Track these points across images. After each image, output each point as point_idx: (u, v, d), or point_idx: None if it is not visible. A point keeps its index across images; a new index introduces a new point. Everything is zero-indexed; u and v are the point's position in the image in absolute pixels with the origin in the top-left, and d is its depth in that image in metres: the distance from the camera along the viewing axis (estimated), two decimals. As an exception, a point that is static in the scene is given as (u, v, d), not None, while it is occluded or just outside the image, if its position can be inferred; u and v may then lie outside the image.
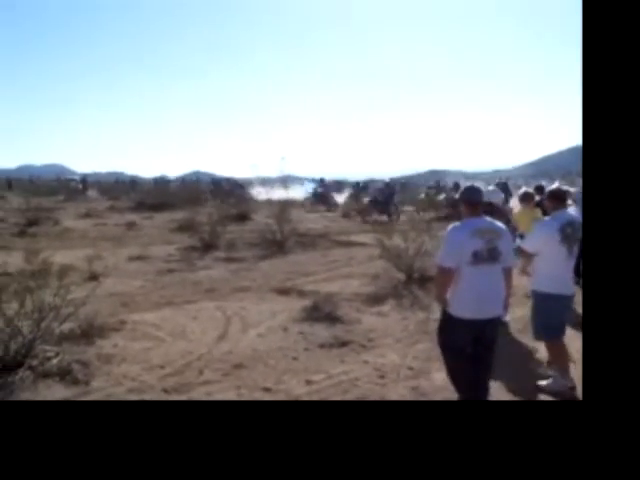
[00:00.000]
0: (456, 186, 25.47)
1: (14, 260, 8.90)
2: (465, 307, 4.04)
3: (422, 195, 28.84)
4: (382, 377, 5.27)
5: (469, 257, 3.95)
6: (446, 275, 4.06)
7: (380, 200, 22.74)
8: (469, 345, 4.12)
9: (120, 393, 4.83)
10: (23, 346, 5.18)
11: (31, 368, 5.11)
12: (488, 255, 3.98)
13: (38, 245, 10.99)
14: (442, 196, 25.47)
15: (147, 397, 4.74)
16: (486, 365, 4.25)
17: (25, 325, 5.28)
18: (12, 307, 5.27)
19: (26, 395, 4.72)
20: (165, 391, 4.90)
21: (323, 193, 29.96)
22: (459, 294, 4.05)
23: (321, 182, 31.71)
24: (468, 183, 4.58)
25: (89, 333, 6.14)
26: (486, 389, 4.26)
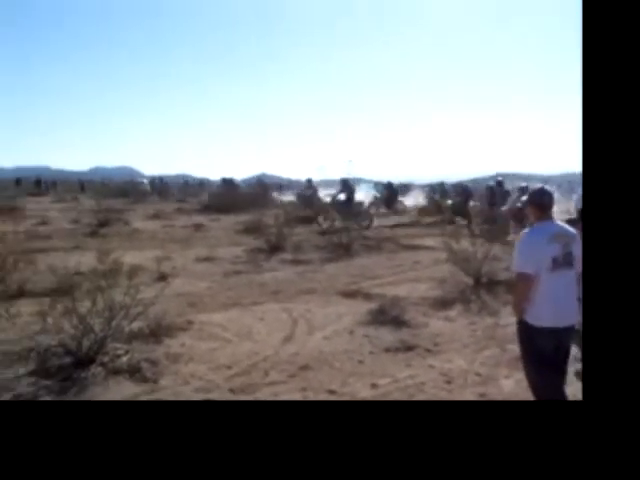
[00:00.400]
0: (465, 190, 24.05)
1: (86, 260, 9.18)
2: (545, 315, 3.94)
3: (420, 199, 27.72)
4: (449, 382, 5.23)
5: (549, 263, 3.86)
6: (526, 282, 3.96)
7: (342, 202, 20.00)
8: (551, 353, 4.03)
9: (187, 392, 4.95)
10: (95, 343, 5.40)
11: (102, 364, 5.32)
12: (564, 260, 3.90)
13: (109, 245, 11.33)
14: (449, 201, 23.98)
15: (214, 396, 4.85)
16: (563, 373, 4.17)
17: (97, 323, 5.49)
18: (85, 305, 5.49)
19: (97, 390, 4.91)
20: (231, 391, 4.99)
21: (308, 196, 28.32)
22: (538, 302, 3.96)
23: (308, 183, 30.19)
24: (538, 186, 4.47)
25: (157, 332, 6.32)
26: (564, 398, 4.17)
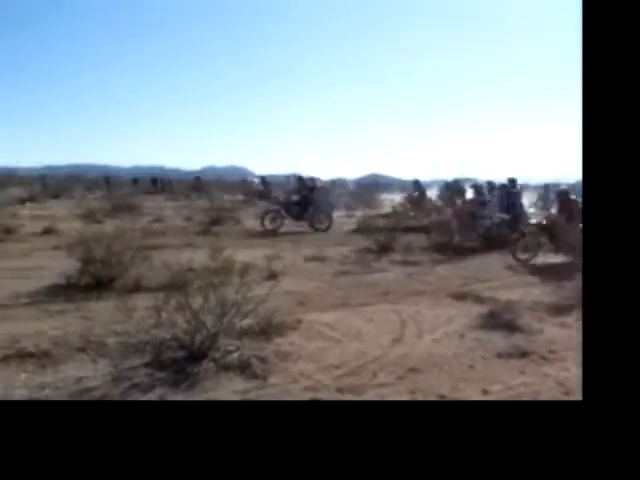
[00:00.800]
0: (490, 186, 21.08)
1: (199, 257, 9.53)
2: None
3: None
4: (566, 393, 5.07)
5: None
6: None
7: (296, 202, 18.93)
8: None
9: (296, 390, 5.05)
10: (207, 338, 5.59)
11: (214, 360, 5.51)
12: None
13: (221, 243, 11.68)
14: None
15: (321, 396, 4.92)
16: None
17: (209, 319, 5.67)
18: (197, 301, 5.69)
19: (208, 384, 5.09)
20: (339, 391, 5.05)
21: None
22: None
23: (262, 180, 28.49)
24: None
25: (267, 330, 6.46)
26: None
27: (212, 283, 5.85)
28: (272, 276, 9.64)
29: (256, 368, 5.45)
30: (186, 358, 5.53)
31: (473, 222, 15.45)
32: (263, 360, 5.64)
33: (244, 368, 5.42)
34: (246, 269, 6.34)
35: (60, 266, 9.42)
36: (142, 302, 6.33)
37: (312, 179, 20.75)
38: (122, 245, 9.28)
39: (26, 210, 22.71)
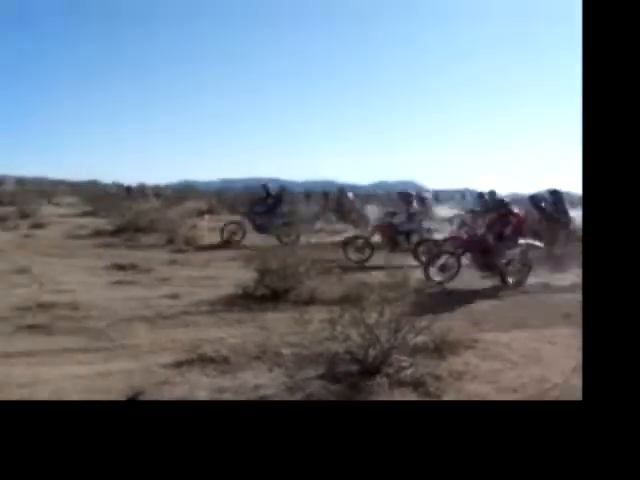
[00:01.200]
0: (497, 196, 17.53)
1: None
2: None
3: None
4: None
5: None
6: None
7: (261, 211, 18.13)
8: None
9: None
10: (381, 353, 5.69)
11: (387, 375, 5.58)
12: None
13: (396, 261, 11.76)
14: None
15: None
16: None
17: (382, 334, 5.76)
18: (371, 316, 5.80)
19: (382, 400, 5.17)
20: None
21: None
22: None
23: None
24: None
25: (441, 348, 6.45)
26: None
27: (387, 298, 5.93)
28: (447, 293, 9.59)
29: (430, 386, 5.46)
30: (359, 372, 5.66)
31: (395, 237, 14.54)
32: (437, 378, 5.65)
33: (417, 385, 5.46)
34: (422, 286, 6.38)
35: (236, 276, 9.98)
36: (316, 314, 6.54)
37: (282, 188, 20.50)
38: (297, 258, 9.64)
39: (204, 222, 24.09)
